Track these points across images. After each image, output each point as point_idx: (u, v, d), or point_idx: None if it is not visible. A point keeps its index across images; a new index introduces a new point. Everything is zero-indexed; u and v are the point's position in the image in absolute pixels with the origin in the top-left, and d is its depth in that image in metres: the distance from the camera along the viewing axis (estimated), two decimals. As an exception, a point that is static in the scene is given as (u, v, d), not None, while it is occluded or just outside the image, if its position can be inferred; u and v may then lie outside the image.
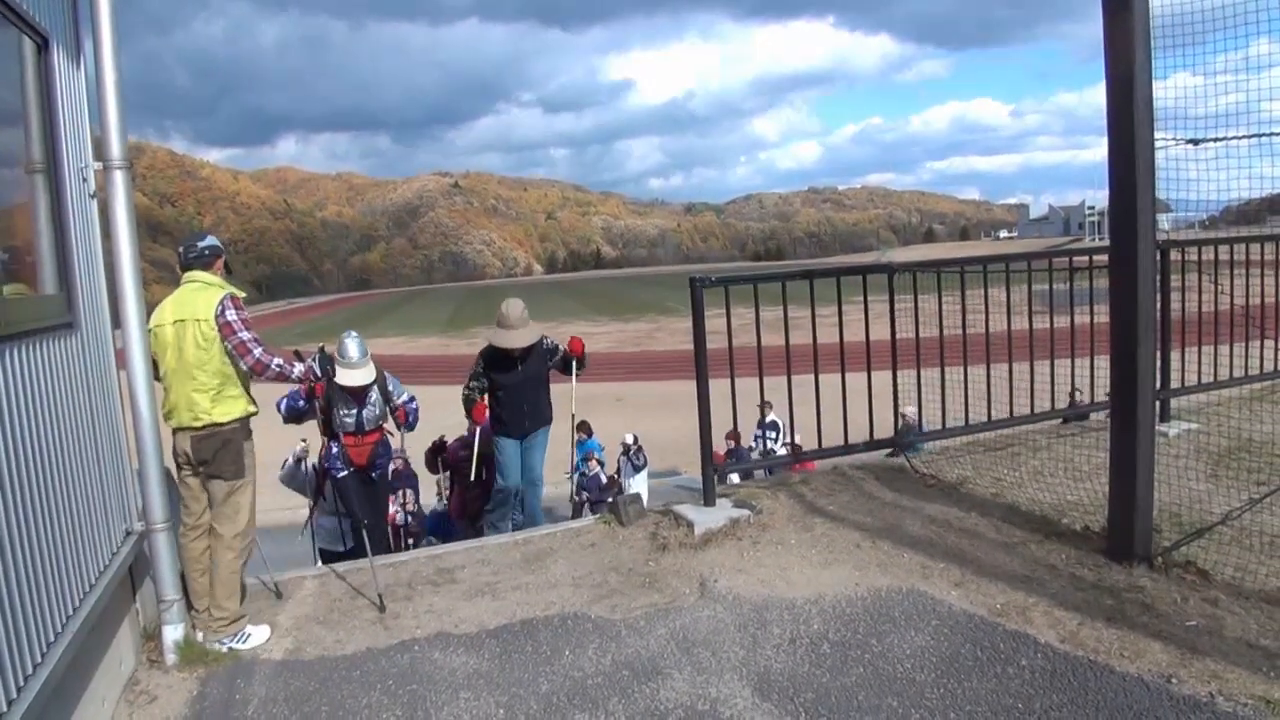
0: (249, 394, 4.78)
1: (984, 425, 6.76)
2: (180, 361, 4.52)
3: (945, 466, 6.49)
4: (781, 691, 3.77)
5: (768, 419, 14.80)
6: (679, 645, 4.26)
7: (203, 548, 4.66)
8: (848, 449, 6.42)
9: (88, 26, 4.19)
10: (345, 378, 6.52)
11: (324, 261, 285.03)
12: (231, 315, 4.58)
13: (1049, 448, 6.74)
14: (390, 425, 7.14)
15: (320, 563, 7.19)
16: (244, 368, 4.64)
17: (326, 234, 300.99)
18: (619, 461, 13.61)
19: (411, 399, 7.06)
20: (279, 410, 6.73)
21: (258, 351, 4.59)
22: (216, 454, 4.60)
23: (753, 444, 15.03)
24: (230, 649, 4.53)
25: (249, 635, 4.64)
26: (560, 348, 7.44)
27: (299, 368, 4.94)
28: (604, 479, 11.93)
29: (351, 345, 6.65)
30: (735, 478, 8.64)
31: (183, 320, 4.53)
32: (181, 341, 4.52)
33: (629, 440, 13.84)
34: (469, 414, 7.19)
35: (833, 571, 4.88)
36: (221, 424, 4.60)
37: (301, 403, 6.70)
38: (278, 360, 4.72)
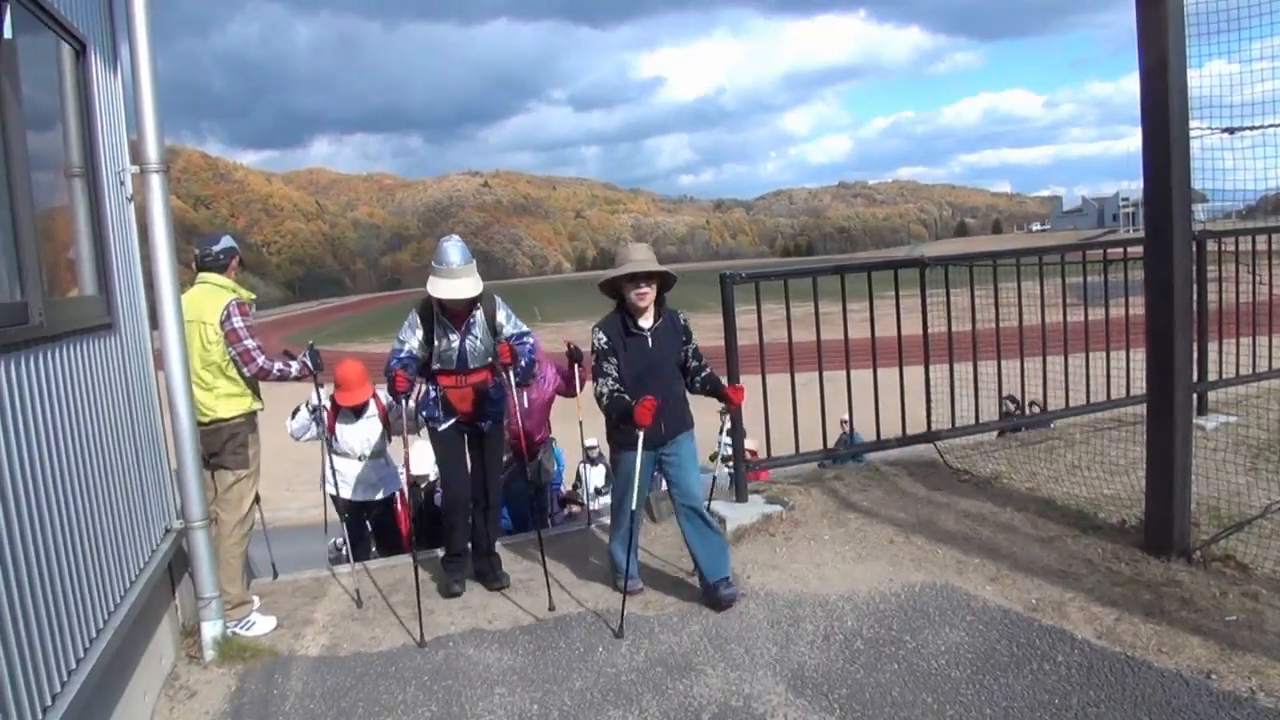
0: (254, 391, 4.99)
1: (1018, 420, 6.71)
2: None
3: (979, 461, 6.45)
4: (815, 688, 3.76)
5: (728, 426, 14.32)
6: (712, 642, 4.26)
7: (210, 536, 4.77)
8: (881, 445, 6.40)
9: (124, 32, 4.25)
10: (441, 289, 4.84)
11: (355, 261, 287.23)
12: (237, 322, 4.79)
13: (1085, 442, 6.67)
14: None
15: (340, 517, 6.74)
16: (247, 374, 4.87)
17: (358, 234, 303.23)
18: (579, 469, 10.54)
19: (526, 334, 5.26)
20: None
21: (261, 360, 4.86)
22: (224, 446, 4.82)
23: (716, 448, 14.34)
24: (234, 634, 4.63)
25: (254, 623, 4.78)
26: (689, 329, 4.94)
27: (295, 366, 5.05)
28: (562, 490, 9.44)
29: (451, 249, 4.89)
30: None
31: (191, 322, 4.67)
32: (190, 342, 4.64)
33: (590, 444, 12.70)
34: (625, 418, 4.45)
35: (866, 567, 4.87)
36: (227, 419, 4.84)
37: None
38: (278, 365, 4.95)
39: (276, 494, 7.07)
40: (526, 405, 6.31)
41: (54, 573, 3.00)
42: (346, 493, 6.65)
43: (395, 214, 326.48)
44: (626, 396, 4.50)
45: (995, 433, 6.99)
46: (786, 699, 3.70)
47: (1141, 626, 3.94)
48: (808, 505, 5.82)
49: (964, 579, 4.63)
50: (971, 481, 6.09)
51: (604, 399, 4.59)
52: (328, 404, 6.41)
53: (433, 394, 5.13)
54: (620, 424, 4.56)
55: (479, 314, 5.07)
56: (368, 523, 6.95)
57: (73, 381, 3.42)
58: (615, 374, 4.61)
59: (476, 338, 5.06)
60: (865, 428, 6.48)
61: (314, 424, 6.45)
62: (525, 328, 5.28)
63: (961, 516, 5.43)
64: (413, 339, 5.01)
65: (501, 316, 5.14)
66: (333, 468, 6.31)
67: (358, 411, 6.65)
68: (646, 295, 4.62)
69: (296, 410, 6.72)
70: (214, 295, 4.84)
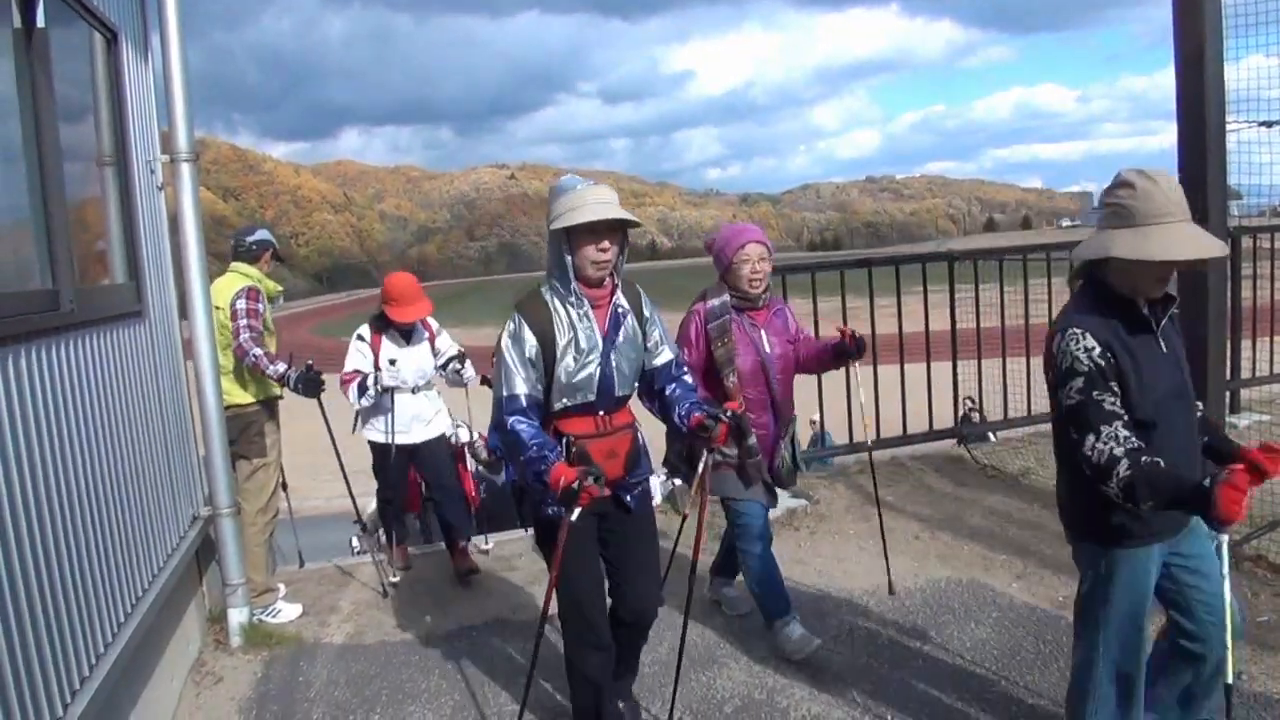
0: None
1: (1047, 416, 6.64)
2: None
3: (1007, 458, 6.40)
4: (838, 682, 3.74)
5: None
6: (735, 635, 4.25)
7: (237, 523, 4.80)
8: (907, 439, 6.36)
9: (155, 21, 4.28)
10: (587, 209, 2.87)
11: (382, 253, 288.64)
12: (240, 304, 4.81)
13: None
14: None
15: (379, 471, 5.55)
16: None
17: (385, 226, 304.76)
18: None
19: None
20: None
21: (243, 337, 4.77)
22: (240, 434, 4.85)
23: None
24: (260, 620, 4.67)
25: (279, 610, 4.82)
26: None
27: (277, 367, 4.85)
28: None
29: (570, 178, 3.07)
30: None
31: (218, 308, 4.71)
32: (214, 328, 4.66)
33: None
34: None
35: (891, 562, 4.84)
36: (243, 405, 4.87)
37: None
38: (257, 352, 4.79)
39: (302, 482, 7.12)
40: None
41: (83, 558, 3.03)
42: (403, 437, 5.36)
43: (422, 206, 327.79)
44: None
45: (1028, 429, 6.92)
46: (809, 693, 3.68)
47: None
48: (832, 500, 5.80)
49: (990, 575, 4.60)
50: (998, 478, 6.04)
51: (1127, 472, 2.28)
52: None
53: (547, 455, 2.86)
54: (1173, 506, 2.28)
55: (623, 301, 3.08)
56: (422, 479, 5.91)
57: (103, 369, 3.45)
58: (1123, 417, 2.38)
59: (626, 347, 3.06)
60: (891, 424, 6.42)
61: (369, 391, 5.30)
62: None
63: (988, 513, 5.39)
64: (523, 375, 2.95)
65: (648, 311, 3.19)
66: (390, 408, 5.23)
67: (407, 335, 5.40)
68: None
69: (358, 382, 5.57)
70: (234, 282, 4.89)
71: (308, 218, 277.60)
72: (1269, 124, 4.22)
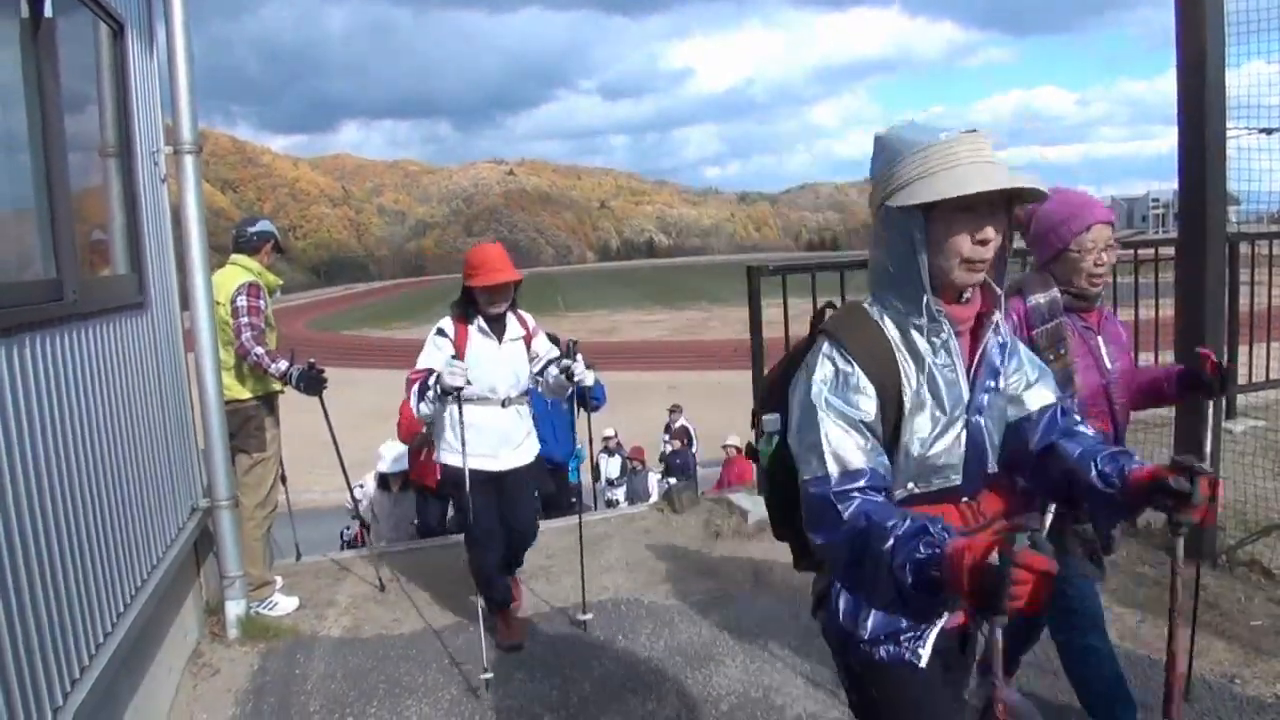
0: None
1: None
2: None
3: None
4: (835, 681, 3.74)
5: (677, 424, 14.27)
6: (732, 633, 4.26)
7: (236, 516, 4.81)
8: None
9: (160, 13, 4.28)
10: (970, 177, 1.68)
11: (380, 247, 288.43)
12: (241, 301, 4.79)
13: (1110, 443, 6.62)
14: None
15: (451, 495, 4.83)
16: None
17: (383, 220, 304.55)
18: (598, 459, 10.41)
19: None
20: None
21: (244, 337, 4.74)
22: (240, 429, 4.83)
23: (663, 448, 14.41)
24: (258, 613, 4.68)
25: (277, 603, 4.83)
26: None
27: (281, 364, 4.84)
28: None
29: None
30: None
31: (218, 303, 4.70)
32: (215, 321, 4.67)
33: (609, 434, 13.02)
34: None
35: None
36: (243, 400, 4.85)
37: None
38: (258, 350, 4.77)
39: (300, 476, 7.14)
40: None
41: (84, 547, 3.03)
42: (485, 462, 4.23)
43: (420, 200, 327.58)
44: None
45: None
46: (805, 691, 3.70)
47: (1165, 629, 3.90)
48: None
49: (986, 577, 4.60)
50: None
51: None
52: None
53: (930, 527, 1.60)
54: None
55: (1001, 325, 1.95)
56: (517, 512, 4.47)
57: (105, 359, 3.46)
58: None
59: (999, 398, 1.96)
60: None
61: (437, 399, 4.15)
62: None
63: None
64: (857, 441, 1.78)
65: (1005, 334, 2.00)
66: (460, 420, 4.08)
67: (499, 329, 4.28)
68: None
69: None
70: (235, 276, 4.87)
71: (305, 211, 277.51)
72: (1269, 131, 4.23)
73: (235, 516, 4.59)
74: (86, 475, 3.13)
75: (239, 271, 4.90)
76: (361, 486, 7.63)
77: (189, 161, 4.32)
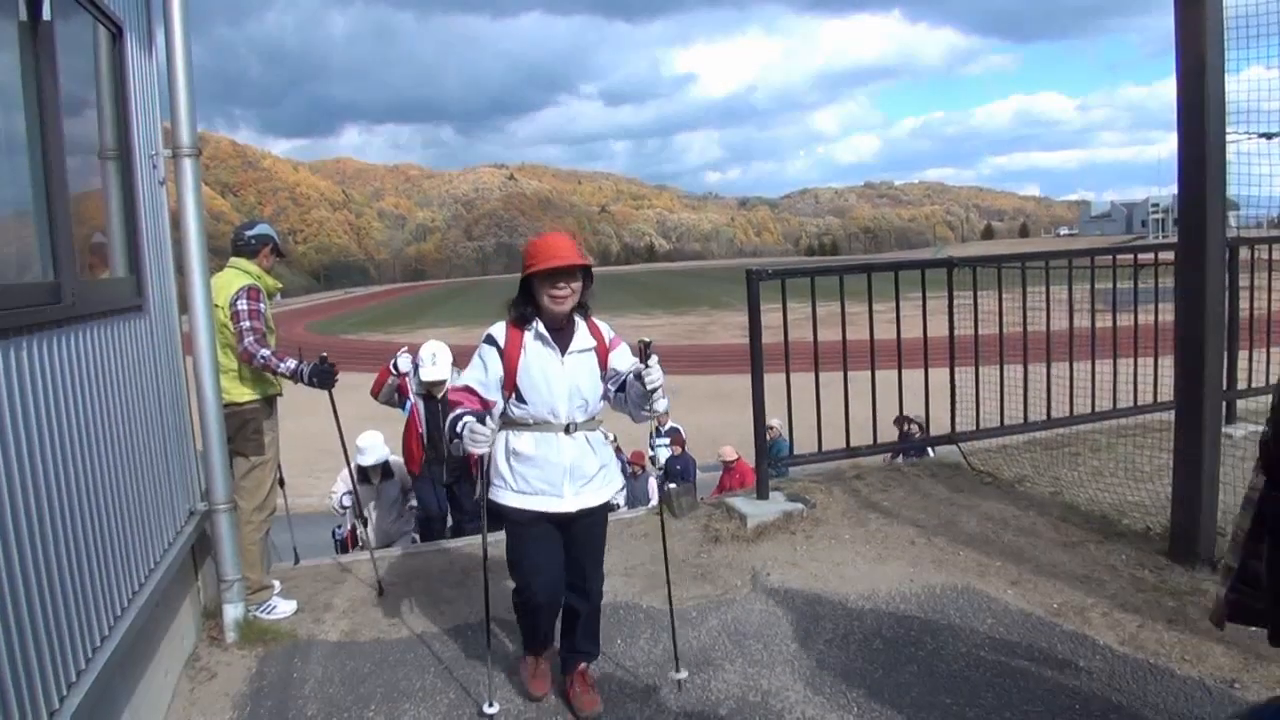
0: (271, 376, 4.94)
1: (1043, 424, 6.67)
2: None
3: (1003, 464, 6.41)
4: (833, 686, 3.75)
5: (666, 427, 14.32)
6: (730, 637, 4.26)
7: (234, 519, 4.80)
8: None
9: (159, 16, 4.28)
10: None
11: (380, 251, 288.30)
12: (241, 305, 4.77)
13: (1109, 448, 6.62)
14: None
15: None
16: (238, 355, 4.80)
17: (383, 224, 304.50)
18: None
19: None
20: None
21: (248, 341, 4.73)
22: (238, 432, 4.81)
23: (650, 451, 14.34)
24: (255, 617, 4.67)
25: (274, 607, 4.82)
26: None
27: (290, 363, 4.86)
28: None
29: None
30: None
31: (217, 306, 4.69)
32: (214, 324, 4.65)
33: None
34: None
35: (887, 567, 4.85)
36: (241, 403, 4.83)
37: None
38: (265, 352, 4.75)
39: (298, 480, 7.12)
40: None
41: (81, 551, 3.02)
42: (537, 501, 3.47)
43: (420, 205, 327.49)
44: None
45: (1023, 436, 6.93)
46: (804, 696, 3.69)
47: (1165, 634, 3.91)
48: (829, 504, 5.81)
49: (985, 582, 4.60)
50: (994, 484, 6.05)
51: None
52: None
53: None
54: None
55: None
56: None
57: (103, 363, 3.45)
58: None
59: None
60: (888, 430, 6.43)
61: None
62: None
63: (984, 519, 5.40)
64: None
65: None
66: (509, 452, 3.46)
67: (564, 339, 3.48)
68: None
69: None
70: (234, 280, 4.86)
71: (306, 215, 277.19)
72: (1269, 136, 4.23)
73: (233, 520, 4.58)
74: (84, 478, 3.12)
75: (238, 275, 4.89)
76: (335, 493, 7.89)
77: (188, 164, 4.31)
